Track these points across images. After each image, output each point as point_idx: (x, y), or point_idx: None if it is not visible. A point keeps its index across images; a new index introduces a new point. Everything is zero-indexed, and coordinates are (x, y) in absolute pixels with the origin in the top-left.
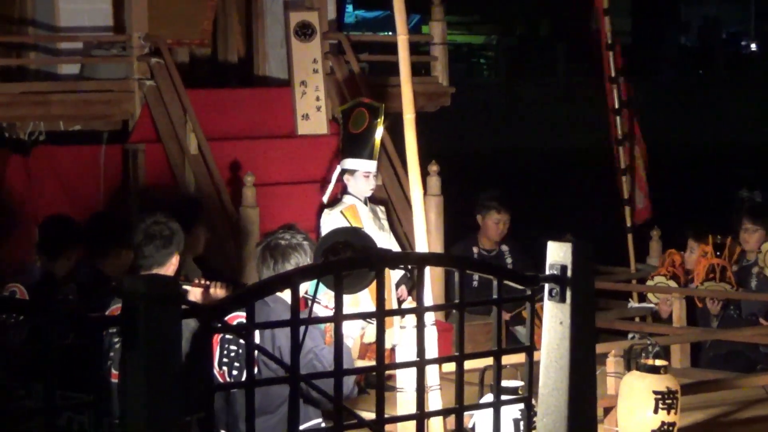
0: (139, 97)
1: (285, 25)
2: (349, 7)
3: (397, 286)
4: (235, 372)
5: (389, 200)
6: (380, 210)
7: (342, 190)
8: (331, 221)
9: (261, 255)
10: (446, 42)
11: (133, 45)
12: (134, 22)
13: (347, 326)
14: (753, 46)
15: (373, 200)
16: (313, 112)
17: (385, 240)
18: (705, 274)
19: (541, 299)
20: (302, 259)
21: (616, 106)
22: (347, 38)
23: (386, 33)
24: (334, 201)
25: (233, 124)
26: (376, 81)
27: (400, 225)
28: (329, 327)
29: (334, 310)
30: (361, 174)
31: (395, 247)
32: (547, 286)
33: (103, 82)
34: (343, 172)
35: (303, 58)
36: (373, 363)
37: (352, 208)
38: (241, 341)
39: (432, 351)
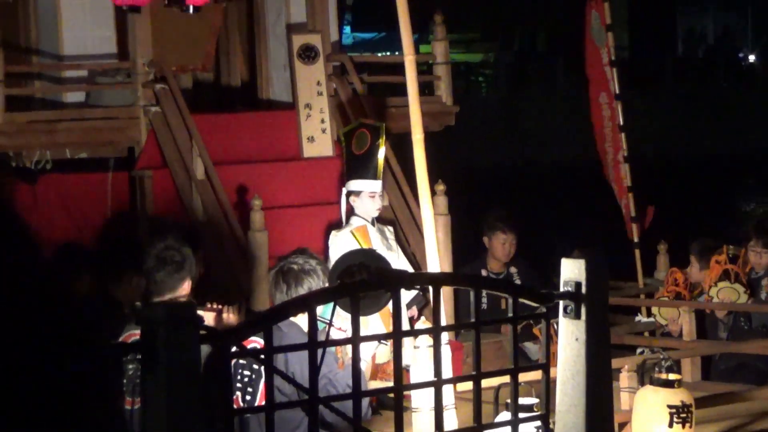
0: (145, 124)
1: (288, 48)
2: (347, 29)
3: (408, 306)
4: (248, 397)
5: (396, 220)
6: (388, 230)
7: (349, 211)
8: (340, 243)
9: (274, 279)
10: (449, 61)
11: (137, 71)
12: (138, 49)
13: (361, 349)
14: (751, 58)
15: (380, 220)
16: (318, 135)
17: (393, 260)
18: (718, 277)
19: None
20: (315, 283)
21: (621, 123)
22: (350, 60)
23: (385, 53)
24: (341, 223)
25: (239, 148)
26: (380, 102)
27: (407, 245)
28: (341, 350)
29: (347, 332)
30: (367, 194)
31: (406, 267)
32: (561, 303)
33: (108, 109)
34: (349, 193)
35: (307, 81)
36: (385, 384)
37: (362, 229)
38: (255, 366)
39: (446, 370)
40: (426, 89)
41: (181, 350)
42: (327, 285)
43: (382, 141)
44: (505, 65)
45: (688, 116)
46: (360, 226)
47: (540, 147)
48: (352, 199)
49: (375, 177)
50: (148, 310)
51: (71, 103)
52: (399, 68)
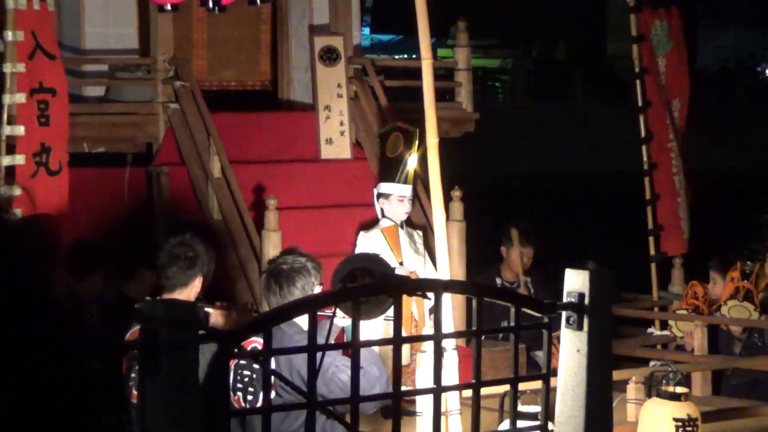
0: (164, 120)
1: (310, 50)
2: (366, 30)
3: (431, 312)
4: (249, 397)
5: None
6: (417, 234)
7: (379, 213)
8: (368, 243)
9: (265, 283)
10: (471, 68)
11: (158, 68)
12: (159, 45)
13: (370, 327)
14: None
15: (409, 224)
16: (336, 137)
17: (420, 264)
18: (729, 295)
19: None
20: (307, 281)
21: (642, 135)
22: (372, 63)
23: (402, 56)
24: (371, 224)
25: (257, 148)
26: (401, 106)
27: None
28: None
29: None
30: (396, 198)
31: (431, 271)
32: (564, 314)
33: (127, 104)
34: (379, 195)
35: (327, 83)
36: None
37: (391, 229)
38: (255, 366)
39: (452, 375)
40: (447, 95)
41: (181, 350)
42: (319, 281)
43: (414, 147)
44: (523, 72)
45: (706, 130)
46: (390, 226)
47: (556, 157)
48: (381, 201)
49: (405, 181)
50: (148, 307)
51: (91, 97)
52: (420, 73)
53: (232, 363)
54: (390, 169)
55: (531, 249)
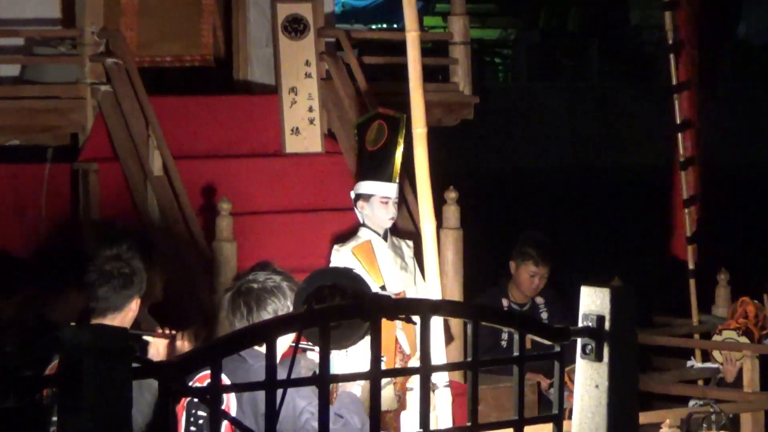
0: (92, 106)
1: (272, 20)
2: None
3: None
4: None
5: None
6: (406, 245)
7: (358, 221)
8: (339, 263)
9: (231, 303)
10: (469, 41)
11: (85, 42)
12: (87, 14)
13: (353, 368)
14: None
15: (396, 233)
16: (304, 126)
17: (408, 282)
18: None
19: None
20: (281, 304)
21: (677, 122)
22: (347, 35)
23: (380, 26)
24: (348, 235)
25: (207, 139)
26: (383, 88)
27: None
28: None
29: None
30: (378, 200)
31: (422, 291)
32: (580, 342)
33: (48, 86)
34: (358, 197)
35: (293, 60)
36: None
37: (365, 246)
38: None
39: (445, 417)
40: (439, 74)
41: (109, 386)
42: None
43: (401, 137)
44: (528, 46)
45: (750, 115)
46: (363, 242)
47: (567, 148)
48: (360, 204)
49: (390, 179)
50: (71, 334)
51: (4, 78)
52: (404, 47)
53: (185, 401)
54: (371, 165)
55: (546, 269)
